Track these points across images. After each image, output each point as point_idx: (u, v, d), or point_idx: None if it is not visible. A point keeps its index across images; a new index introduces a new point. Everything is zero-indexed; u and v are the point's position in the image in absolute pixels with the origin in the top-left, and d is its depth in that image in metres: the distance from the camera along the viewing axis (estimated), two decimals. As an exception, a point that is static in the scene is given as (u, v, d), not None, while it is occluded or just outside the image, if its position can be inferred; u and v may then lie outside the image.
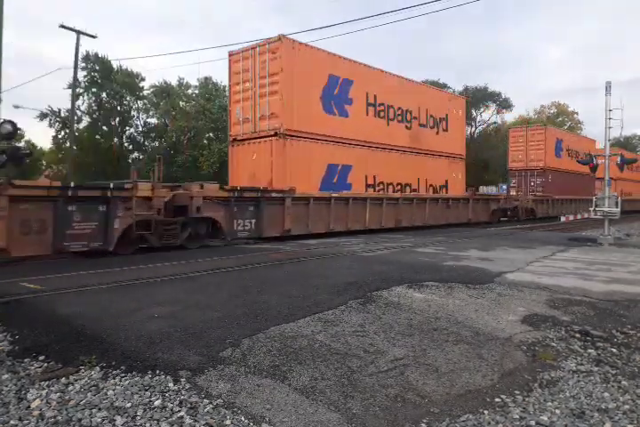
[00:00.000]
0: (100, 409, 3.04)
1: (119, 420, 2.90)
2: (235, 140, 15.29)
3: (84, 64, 36.28)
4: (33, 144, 44.50)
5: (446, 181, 21.28)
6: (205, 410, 3.01)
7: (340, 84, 15.70)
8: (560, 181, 29.38)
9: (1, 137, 9.11)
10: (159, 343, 4.07)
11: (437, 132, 20.96)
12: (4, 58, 9.61)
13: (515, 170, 29.99)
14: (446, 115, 21.50)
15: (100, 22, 75.95)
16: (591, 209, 13.54)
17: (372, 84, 17.03)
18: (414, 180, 19.29)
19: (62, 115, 36.97)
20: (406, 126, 18.91)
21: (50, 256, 8.96)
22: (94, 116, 39.15)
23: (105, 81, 37.65)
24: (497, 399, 3.26)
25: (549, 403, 3.25)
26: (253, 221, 12.28)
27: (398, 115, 18.50)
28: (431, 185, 20.31)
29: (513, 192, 27.42)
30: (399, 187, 18.50)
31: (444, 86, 49.74)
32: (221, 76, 48.57)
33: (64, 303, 5.35)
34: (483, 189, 29.50)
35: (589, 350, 4.26)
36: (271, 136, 14.01)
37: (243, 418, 2.92)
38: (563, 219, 25.22)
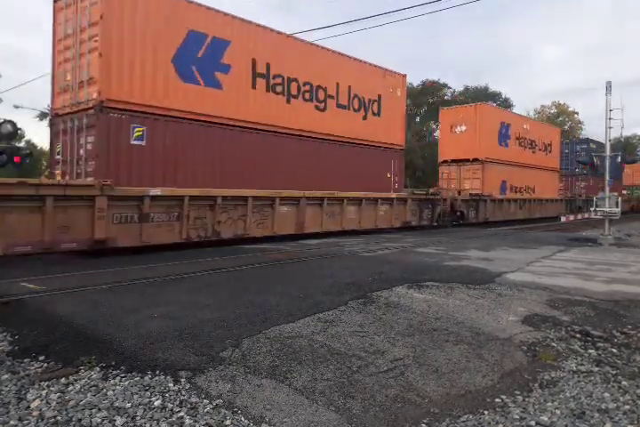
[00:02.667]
0: (99, 409, 3.03)
1: (119, 420, 2.90)
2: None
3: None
4: (33, 144, 44.50)
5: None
6: (205, 410, 3.01)
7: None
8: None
9: (1, 137, 9.11)
10: (159, 343, 4.07)
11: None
12: (5, 58, 9.57)
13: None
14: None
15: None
16: (592, 209, 13.54)
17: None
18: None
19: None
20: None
21: (49, 256, 8.96)
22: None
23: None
24: (497, 400, 3.26)
25: (549, 403, 3.24)
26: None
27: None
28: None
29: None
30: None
31: (445, 86, 49.72)
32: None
33: (64, 303, 5.35)
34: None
35: (590, 351, 4.26)
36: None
37: (243, 418, 2.92)
38: (563, 219, 25.24)
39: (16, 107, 27.89)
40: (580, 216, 27.32)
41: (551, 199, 28.50)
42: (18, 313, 5.04)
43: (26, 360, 3.84)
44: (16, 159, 9.38)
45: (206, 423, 2.86)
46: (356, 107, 15.66)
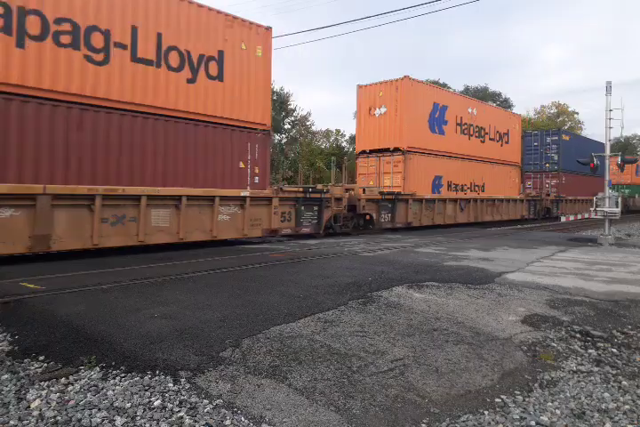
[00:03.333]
0: (99, 409, 3.03)
1: (119, 420, 2.90)
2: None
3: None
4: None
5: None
6: (205, 410, 3.01)
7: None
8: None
9: None
10: (159, 343, 4.07)
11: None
12: None
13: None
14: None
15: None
16: (591, 209, 13.53)
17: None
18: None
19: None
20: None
21: (49, 256, 8.96)
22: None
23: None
24: (497, 400, 3.26)
25: (550, 403, 3.24)
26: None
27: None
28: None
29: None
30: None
31: (445, 86, 49.75)
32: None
33: (64, 303, 5.35)
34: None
35: (590, 351, 4.26)
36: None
37: (243, 418, 2.92)
38: (563, 219, 25.05)
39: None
40: (579, 216, 26.90)
41: (508, 199, 23.73)
42: (18, 313, 5.04)
43: (26, 360, 3.84)
44: None
45: (206, 423, 2.86)
46: (175, 65, 10.93)
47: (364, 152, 18.99)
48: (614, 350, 4.27)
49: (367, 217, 16.10)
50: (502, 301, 5.76)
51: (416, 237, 14.37)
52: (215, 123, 11.48)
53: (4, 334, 4.42)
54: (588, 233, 19.50)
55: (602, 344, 4.40)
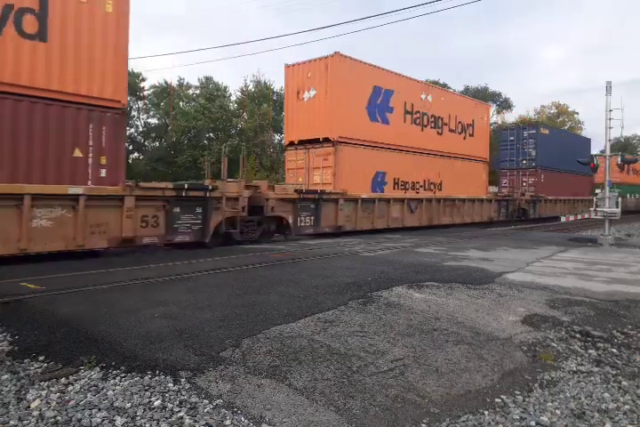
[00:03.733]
0: (99, 409, 3.04)
1: (119, 420, 2.90)
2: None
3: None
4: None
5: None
6: (205, 410, 3.01)
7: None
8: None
9: None
10: (159, 343, 4.07)
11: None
12: None
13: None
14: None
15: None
16: (591, 209, 13.54)
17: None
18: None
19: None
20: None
21: (50, 256, 8.96)
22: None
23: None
24: (497, 400, 3.26)
25: (550, 403, 3.24)
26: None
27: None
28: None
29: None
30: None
31: (445, 86, 49.70)
32: (221, 77, 48.32)
33: (64, 303, 5.35)
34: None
35: (590, 351, 4.26)
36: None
37: (243, 418, 2.92)
38: (563, 219, 24.86)
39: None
40: (579, 217, 26.64)
41: (473, 199, 20.70)
42: (18, 313, 5.04)
43: (26, 360, 3.84)
44: None
45: (206, 423, 2.86)
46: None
47: (292, 144, 16.03)
48: (614, 351, 4.27)
49: (283, 221, 13.07)
50: (502, 301, 5.76)
51: (416, 237, 14.37)
52: (32, 96, 8.46)
53: (4, 334, 4.43)
54: (587, 233, 19.51)
55: (602, 344, 4.40)
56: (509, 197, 24.03)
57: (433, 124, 18.83)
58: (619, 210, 13.08)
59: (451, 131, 19.87)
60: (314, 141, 15.23)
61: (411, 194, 17.67)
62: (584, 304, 5.70)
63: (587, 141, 34.40)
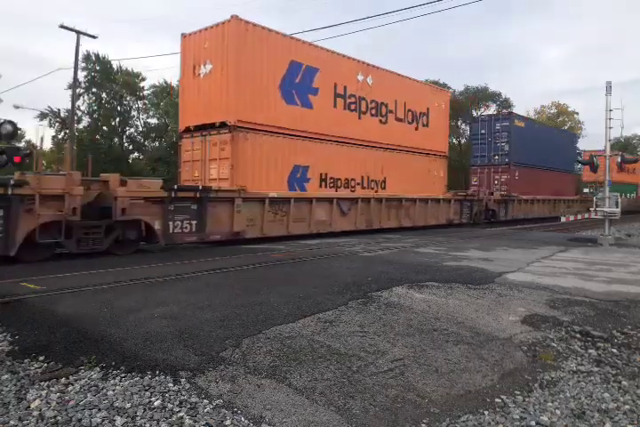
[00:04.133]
0: (99, 409, 3.04)
1: (119, 420, 2.90)
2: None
3: (84, 64, 36.31)
4: (33, 144, 44.41)
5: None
6: (205, 410, 3.01)
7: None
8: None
9: (1, 137, 9.09)
10: (159, 343, 4.07)
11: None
12: (4, 59, 9.34)
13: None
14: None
15: (101, 21, 75.91)
16: (591, 209, 13.53)
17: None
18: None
19: (62, 115, 37.08)
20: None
21: (50, 257, 8.95)
22: (94, 116, 39.22)
23: (105, 81, 37.74)
24: (497, 400, 3.26)
25: (550, 403, 3.24)
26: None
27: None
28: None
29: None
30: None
31: (445, 86, 49.67)
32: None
33: (64, 303, 5.34)
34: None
35: (590, 351, 4.26)
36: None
37: (243, 418, 2.92)
38: (563, 219, 24.77)
39: (16, 107, 27.81)
40: (579, 217, 26.35)
41: (426, 199, 17.77)
42: (18, 313, 5.04)
43: (26, 360, 3.84)
44: (16, 159, 9.35)
45: (206, 423, 2.86)
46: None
47: (187, 131, 13.08)
48: (614, 351, 4.27)
49: (147, 226, 10.01)
50: (502, 301, 5.75)
51: (416, 237, 14.37)
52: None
53: (4, 334, 4.43)
54: (587, 233, 19.51)
55: (602, 344, 4.40)
56: (473, 196, 21.15)
57: (374, 112, 15.89)
58: (619, 210, 13.08)
59: (398, 120, 16.99)
60: (210, 127, 12.31)
61: (344, 193, 14.86)
62: (584, 304, 5.70)
63: (571, 136, 32.29)
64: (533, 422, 2.97)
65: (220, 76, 12.14)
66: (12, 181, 8.33)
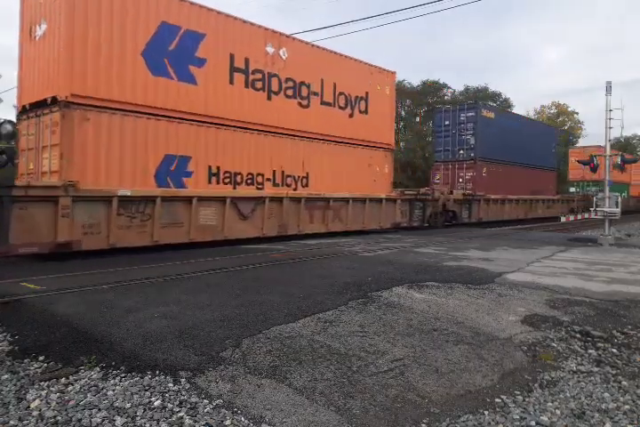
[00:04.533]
0: (99, 409, 3.04)
1: (119, 420, 2.90)
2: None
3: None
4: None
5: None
6: (205, 410, 3.01)
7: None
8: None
9: (1, 137, 9.08)
10: (159, 343, 4.07)
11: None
12: (4, 59, 9.20)
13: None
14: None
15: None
16: (591, 209, 13.53)
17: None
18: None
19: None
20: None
21: (49, 256, 8.95)
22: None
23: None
24: (497, 400, 3.26)
25: (550, 403, 3.24)
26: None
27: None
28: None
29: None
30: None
31: (445, 86, 49.68)
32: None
33: (64, 303, 5.35)
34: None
35: (590, 351, 4.26)
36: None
37: (243, 418, 2.92)
38: (563, 219, 24.70)
39: (16, 107, 27.78)
40: (579, 217, 26.17)
41: (363, 199, 14.96)
42: (18, 313, 5.04)
43: (26, 360, 3.84)
44: (17, 159, 9.36)
45: (206, 423, 2.86)
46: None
47: (24, 110, 10.29)
48: (614, 351, 4.27)
49: None
50: (502, 301, 5.76)
51: (416, 236, 14.37)
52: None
53: (4, 334, 4.43)
54: (588, 233, 19.51)
55: (602, 344, 4.40)
56: (426, 195, 17.86)
57: (291, 93, 13.00)
58: (619, 210, 13.08)
59: (325, 104, 14.07)
60: (42, 104, 9.49)
61: (245, 191, 11.93)
62: (584, 304, 5.70)
63: (550, 131, 29.91)
64: (533, 423, 2.97)
65: (54, 39, 9.47)
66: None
